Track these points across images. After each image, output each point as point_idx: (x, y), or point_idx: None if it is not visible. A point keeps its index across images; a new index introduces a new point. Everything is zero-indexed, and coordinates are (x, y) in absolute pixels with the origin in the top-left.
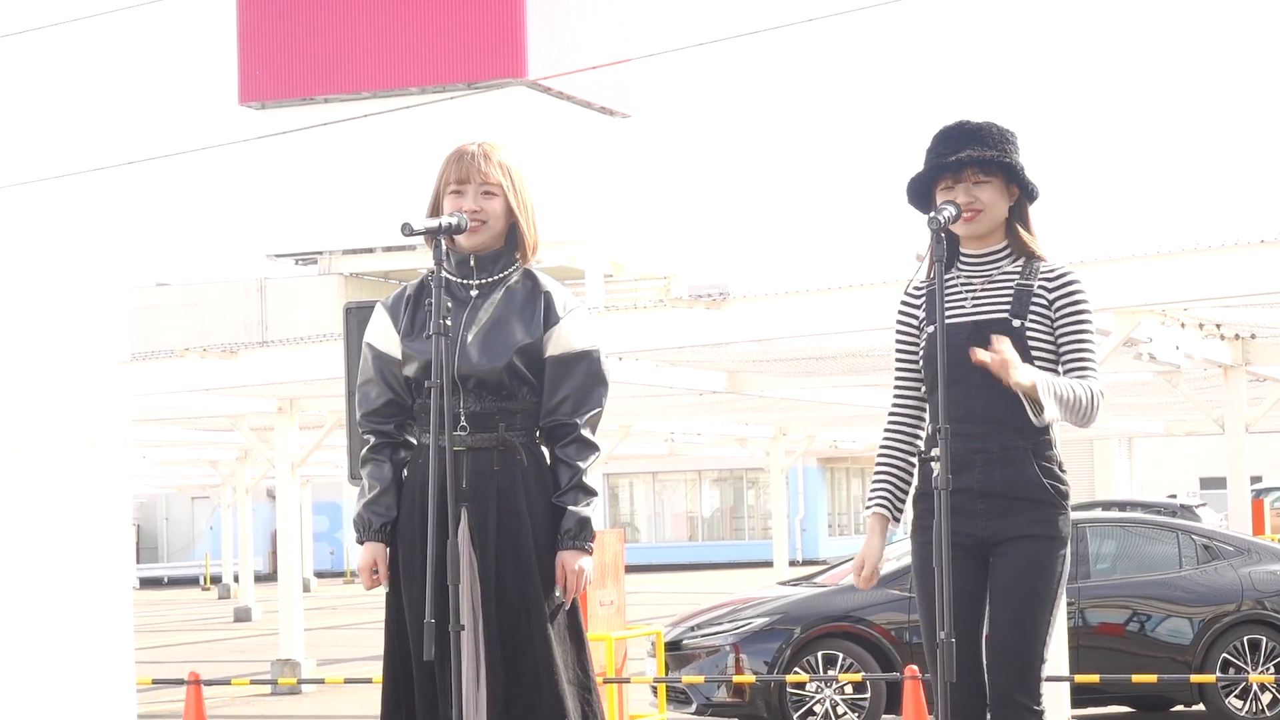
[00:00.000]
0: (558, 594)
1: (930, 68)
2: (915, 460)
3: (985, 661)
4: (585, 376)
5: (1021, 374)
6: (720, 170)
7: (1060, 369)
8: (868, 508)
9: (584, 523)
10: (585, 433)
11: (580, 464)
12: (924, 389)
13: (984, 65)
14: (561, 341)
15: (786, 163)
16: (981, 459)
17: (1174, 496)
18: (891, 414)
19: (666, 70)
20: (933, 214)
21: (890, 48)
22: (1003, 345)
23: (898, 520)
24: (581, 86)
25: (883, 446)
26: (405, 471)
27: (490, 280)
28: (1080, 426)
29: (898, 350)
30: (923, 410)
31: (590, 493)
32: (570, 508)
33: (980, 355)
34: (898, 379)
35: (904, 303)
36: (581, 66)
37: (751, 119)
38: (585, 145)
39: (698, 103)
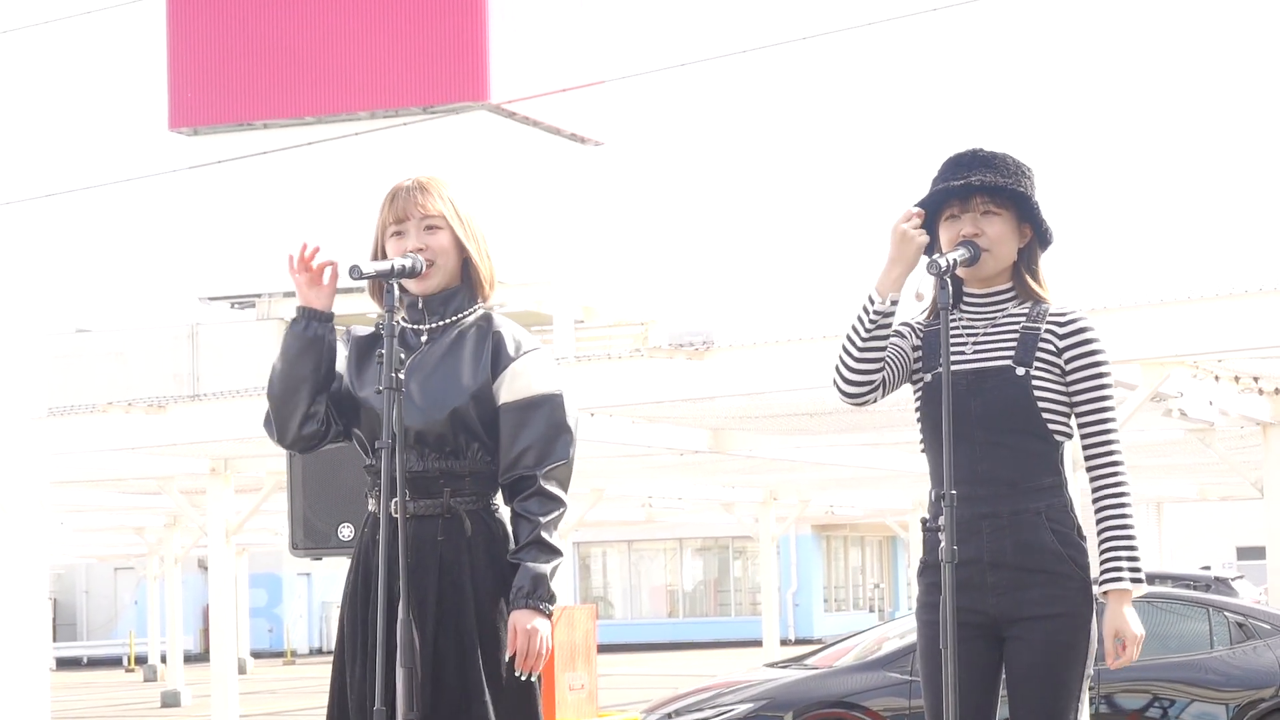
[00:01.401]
0: (506, 660)
1: (937, 93)
2: (882, 363)
3: None
4: (547, 425)
5: (1133, 619)
6: (704, 205)
7: (1079, 432)
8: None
9: (539, 579)
10: (549, 486)
11: (541, 518)
12: (922, 447)
13: (993, 93)
14: (516, 386)
15: (778, 197)
16: (989, 525)
17: (1207, 568)
18: None
19: (644, 93)
20: (935, 258)
21: (892, 70)
22: (1130, 647)
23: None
24: (549, 111)
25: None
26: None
27: (443, 324)
28: None
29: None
30: (887, 368)
31: (551, 551)
32: (525, 563)
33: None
34: None
35: (905, 323)
36: (549, 89)
37: (739, 148)
38: (554, 175)
39: (678, 130)
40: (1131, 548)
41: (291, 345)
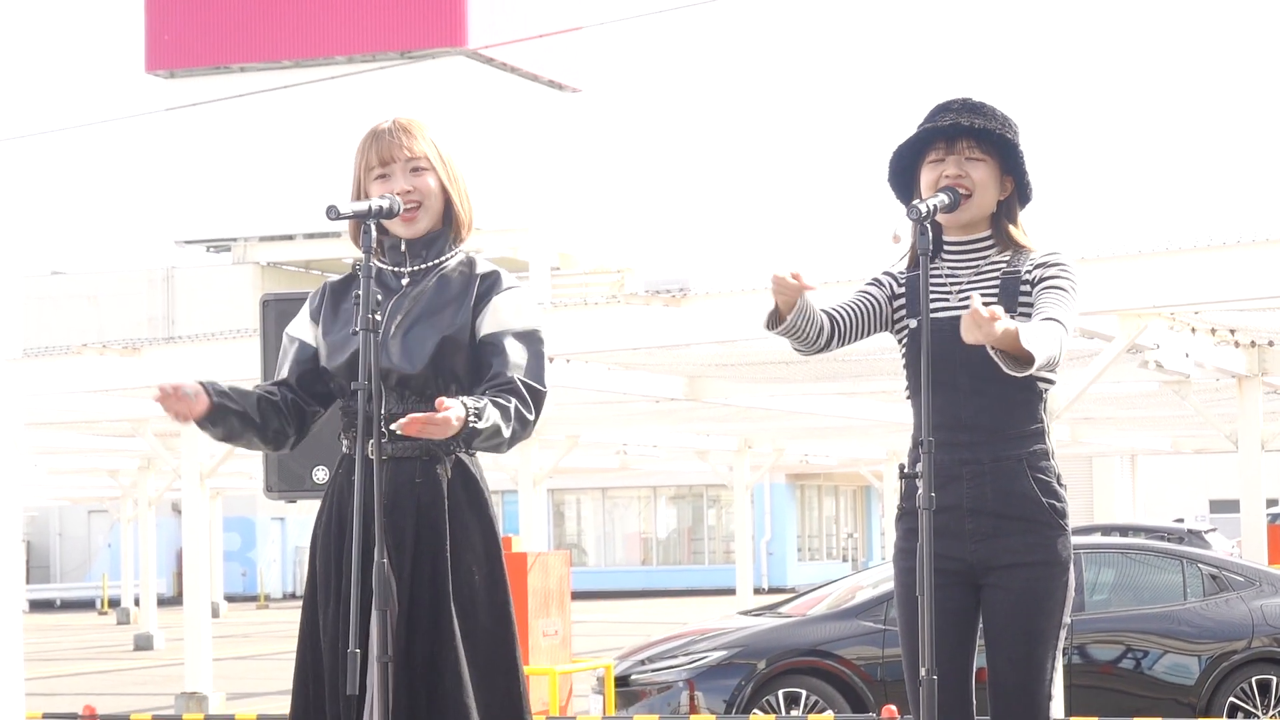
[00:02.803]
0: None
1: (919, 43)
2: (832, 319)
3: (990, 704)
4: (529, 354)
5: (999, 326)
6: (682, 152)
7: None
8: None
9: (481, 405)
10: (523, 390)
11: (510, 400)
12: (907, 392)
13: (977, 43)
14: (498, 319)
15: (756, 145)
16: (970, 472)
17: (1181, 520)
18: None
19: (622, 39)
20: (915, 203)
21: (876, 17)
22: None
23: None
24: (527, 57)
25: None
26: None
27: (424, 267)
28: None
29: (858, 290)
30: (840, 322)
31: (502, 410)
32: (494, 399)
33: (976, 304)
34: (847, 298)
35: (885, 271)
36: (528, 34)
37: (718, 95)
38: (531, 122)
39: (657, 76)
40: (1044, 339)
41: (214, 434)
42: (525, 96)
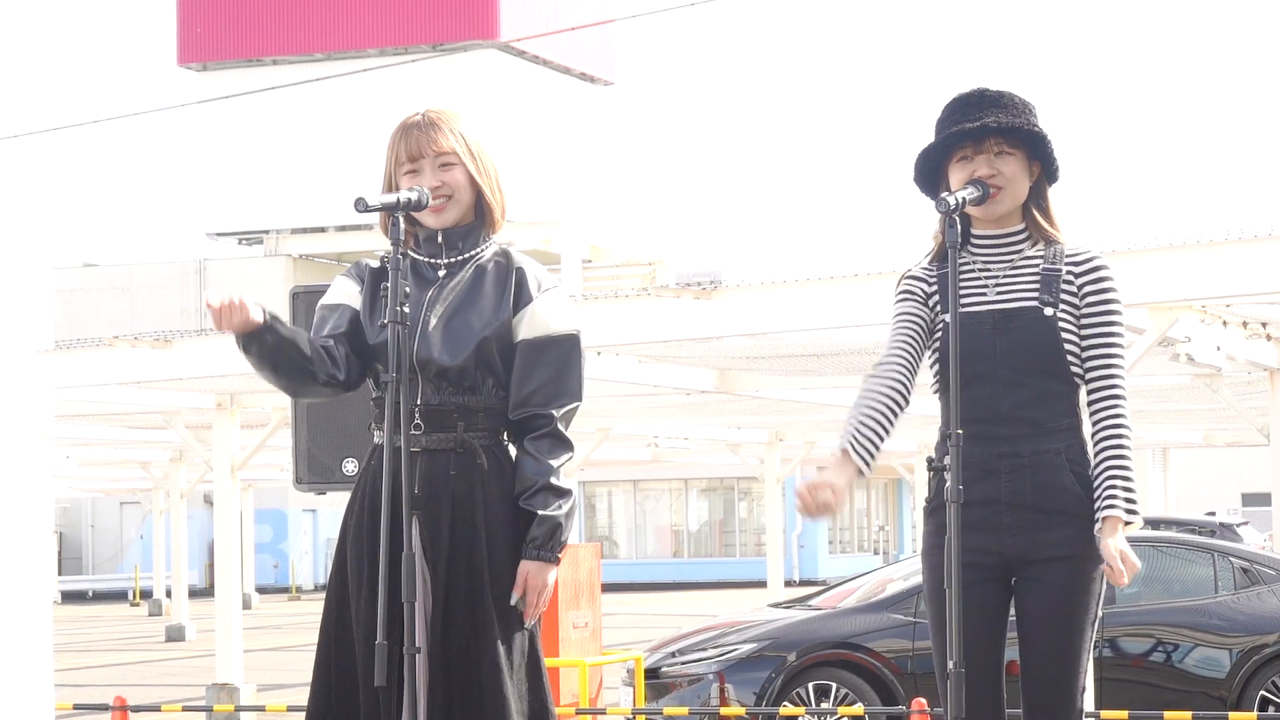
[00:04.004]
0: (515, 602)
1: (947, 34)
2: (897, 409)
3: (1022, 697)
4: (561, 364)
5: (1121, 541)
6: (713, 145)
7: (1084, 368)
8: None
9: (555, 529)
10: (560, 427)
11: (552, 462)
12: (935, 388)
13: (1003, 34)
14: (536, 324)
15: (788, 138)
16: (1009, 465)
17: (1213, 514)
18: (884, 362)
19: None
20: (943, 195)
21: (904, 10)
22: (1121, 561)
23: (862, 470)
24: (559, 49)
25: (866, 391)
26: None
27: (460, 259)
28: None
29: (899, 313)
30: (908, 378)
31: (563, 494)
32: (541, 511)
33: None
34: (898, 331)
35: (913, 276)
36: (559, 27)
37: (749, 88)
38: (563, 115)
39: (689, 69)
40: (1128, 482)
41: (254, 363)
42: (557, 90)
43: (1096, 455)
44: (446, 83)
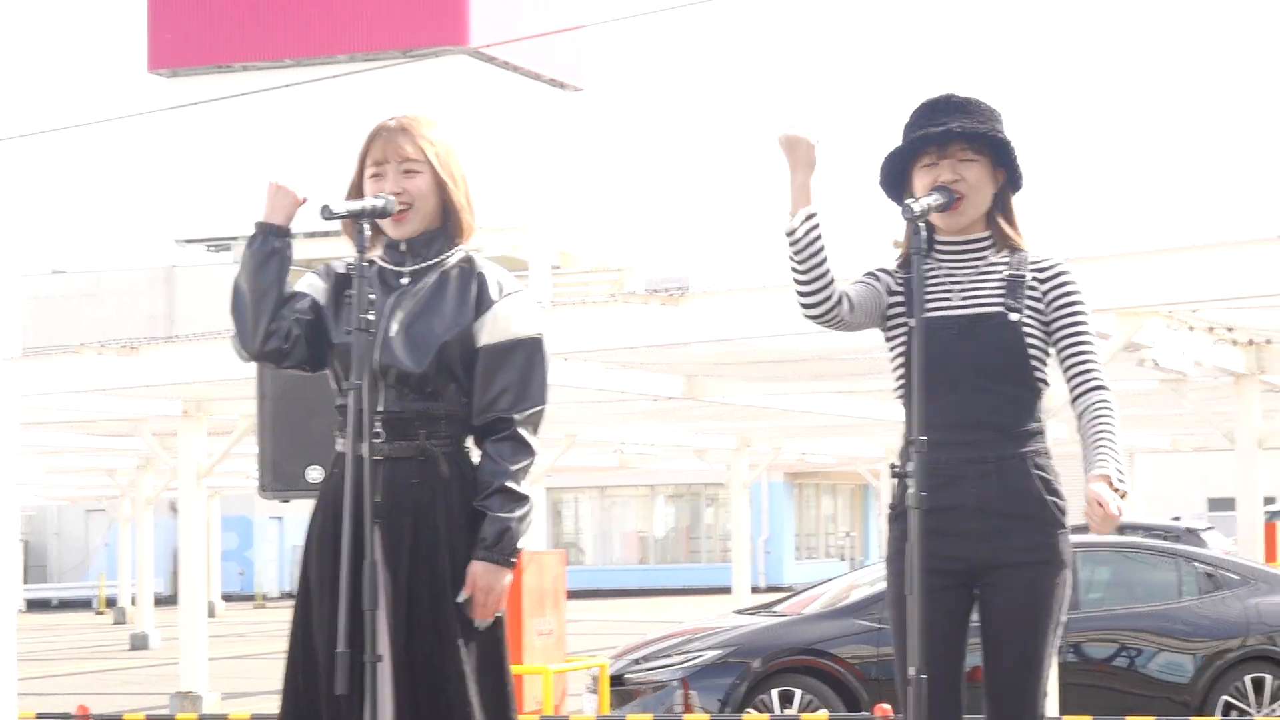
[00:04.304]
0: (462, 599)
1: (915, 41)
2: (845, 294)
3: (985, 703)
4: (525, 367)
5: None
6: (683, 151)
7: (1062, 363)
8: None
9: (505, 532)
10: (523, 431)
11: (510, 465)
12: (900, 393)
13: (973, 41)
14: (498, 328)
15: (757, 143)
16: (975, 471)
17: (1178, 519)
18: None
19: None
20: (909, 201)
21: (876, 15)
22: (1105, 498)
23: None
24: (529, 56)
25: None
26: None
27: (424, 265)
28: None
29: (856, 281)
30: (851, 299)
31: (520, 500)
32: (492, 513)
33: (1106, 501)
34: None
35: (880, 269)
36: (530, 33)
37: (719, 94)
38: (533, 121)
39: (659, 75)
40: (1118, 456)
41: (250, 260)
42: (527, 95)
43: (1087, 431)
44: (416, 89)
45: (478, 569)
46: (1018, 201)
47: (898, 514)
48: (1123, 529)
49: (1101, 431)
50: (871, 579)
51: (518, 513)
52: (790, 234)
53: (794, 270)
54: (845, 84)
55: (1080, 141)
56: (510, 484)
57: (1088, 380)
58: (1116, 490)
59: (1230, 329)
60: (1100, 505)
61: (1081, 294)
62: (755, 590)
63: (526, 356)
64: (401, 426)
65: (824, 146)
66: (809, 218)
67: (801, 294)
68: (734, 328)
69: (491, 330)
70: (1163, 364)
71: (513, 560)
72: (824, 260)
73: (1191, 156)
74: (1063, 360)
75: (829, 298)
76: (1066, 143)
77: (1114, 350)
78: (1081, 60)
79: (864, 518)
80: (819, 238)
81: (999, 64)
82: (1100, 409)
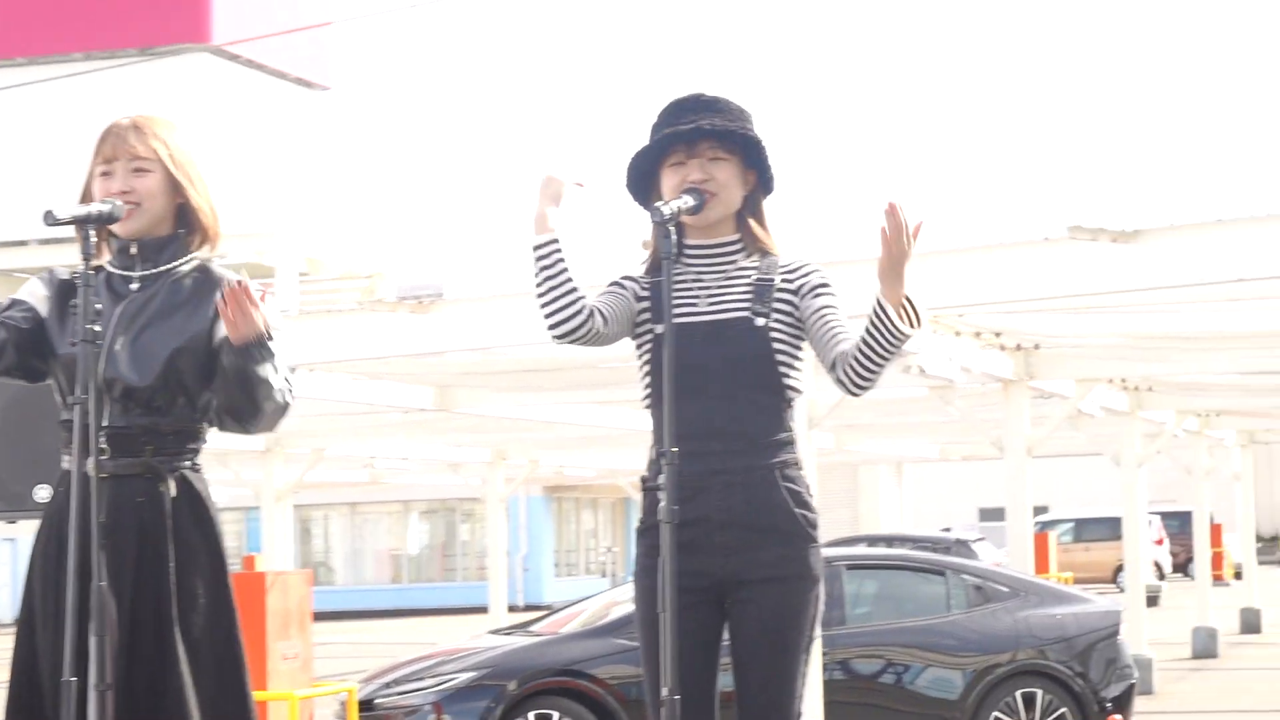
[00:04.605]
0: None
1: (665, 35)
2: (596, 309)
3: None
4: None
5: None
6: (437, 153)
7: (816, 345)
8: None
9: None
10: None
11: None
12: (648, 402)
13: (713, 37)
14: None
15: (513, 145)
16: (720, 482)
17: (948, 530)
18: None
19: (374, 36)
20: (658, 205)
21: (625, 13)
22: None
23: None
24: (275, 54)
25: None
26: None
27: (155, 271)
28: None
29: (603, 291)
30: (603, 314)
31: (283, 375)
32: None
33: (898, 211)
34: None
35: (627, 276)
36: (274, 30)
37: (474, 94)
38: (278, 121)
39: (410, 74)
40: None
41: None
42: (272, 95)
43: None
44: (156, 88)
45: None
46: (769, 205)
47: (646, 528)
48: (890, 541)
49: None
50: (631, 596)
51: (281, 369)
52: (534, 249)
53: (537, 291)
54: (600, 82)
55: (834, 138)
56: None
57: (844, 339)
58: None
59: (998, 334)
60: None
61: (832, 286)
62: (513, 609)
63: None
64: (127, 442)
65: (588, 188)
66: (547, 244)
67: (544, 315)
68: (488, 336)
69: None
70: (929, 371)
71: (269, 339)
72: (562, 283)
73: (954, 156)
74: (816, 337)
75: (572, 316)
76: (821, 141)
77: None
78: (836, 52)
79: (625, 532)
80: (557, 261)
81: (737, 55)
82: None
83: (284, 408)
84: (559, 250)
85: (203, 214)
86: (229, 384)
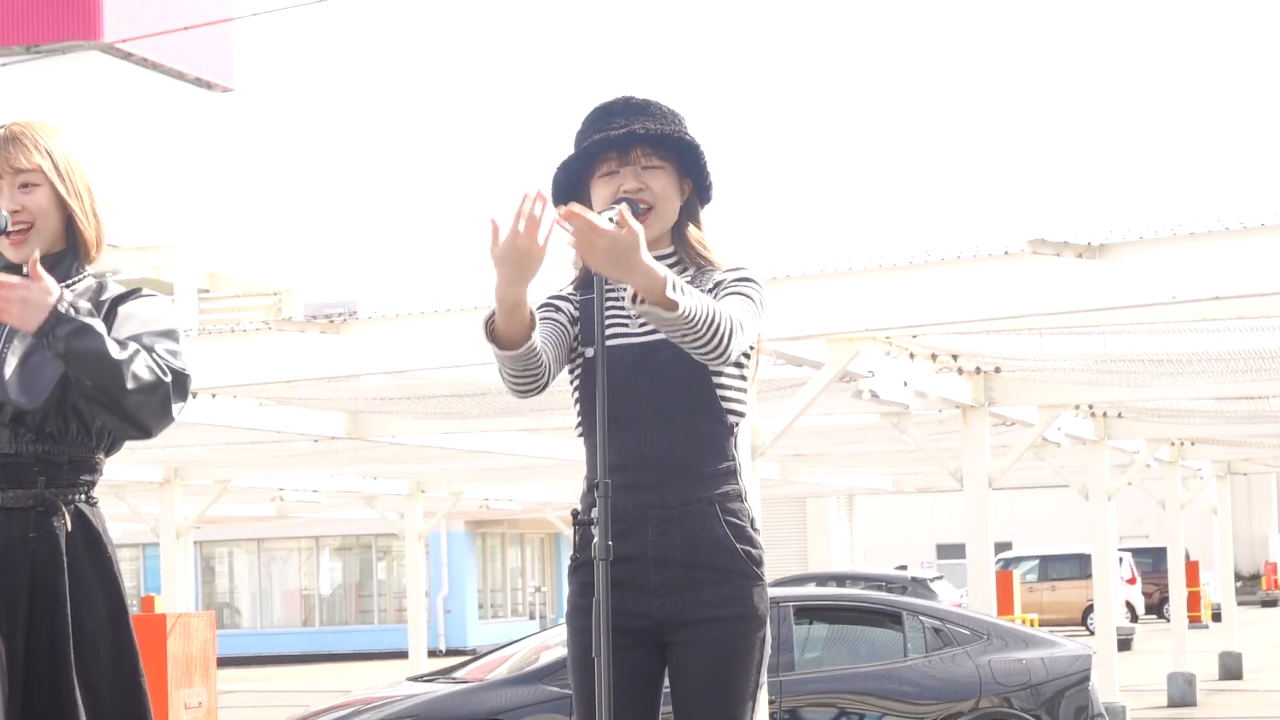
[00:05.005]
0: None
1: (586, 39)
2: (543, 351)
3: None
4: (167, 343)
5: (640, 259)
6: (350, 160)
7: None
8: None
9: (91, 317)
10: (161, 362)
11: (141, 352)
12: (579, 431)
13: (648, 35)
14: (130, 325)
15: (432, 152)
16: (657, 517)
17: (904, 568)
18: None
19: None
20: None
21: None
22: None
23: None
24: (172, 52)
25: None
26: None
27: None
28: (709, 356)
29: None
30: (549, 354)
31: (118, 342)
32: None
33: (575, 208)
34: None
35: (557, 296)
36: (172, 26)
37: (390, 97)
38: (177, 125)
39: (320, 75)
40: (695, 294)
41: None
42: (169, 96)
43: None
44: (42, 89)
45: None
46: (707, 215)
47: (578, 565)
48: (842, 580)
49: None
50: (563, 639)
51: (106, 336)
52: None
53: (504, 371)
54: (521, 85)
55: (782, 148)
56: (153, 363)
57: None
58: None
59: (955, 356)
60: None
61: (757, 284)
62: (434, 654)
63: (166, 339)
64: (17, 472)
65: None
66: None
67: (510, 388)
68: (406, 358)
69: (122, 329)
70: (882, 396)
71: (62, 324)
72: (536, 363)
73: (907, 164)
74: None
75: (538, 380)
76: (766, 149)
77: (826, 380)
78: (779, 65)
79: (555, 570)
80: (524, 344)
81: (679, 64)
82: (723, 308)
83: (155, 385)
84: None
85: (87, 230)
86: (75, 374)
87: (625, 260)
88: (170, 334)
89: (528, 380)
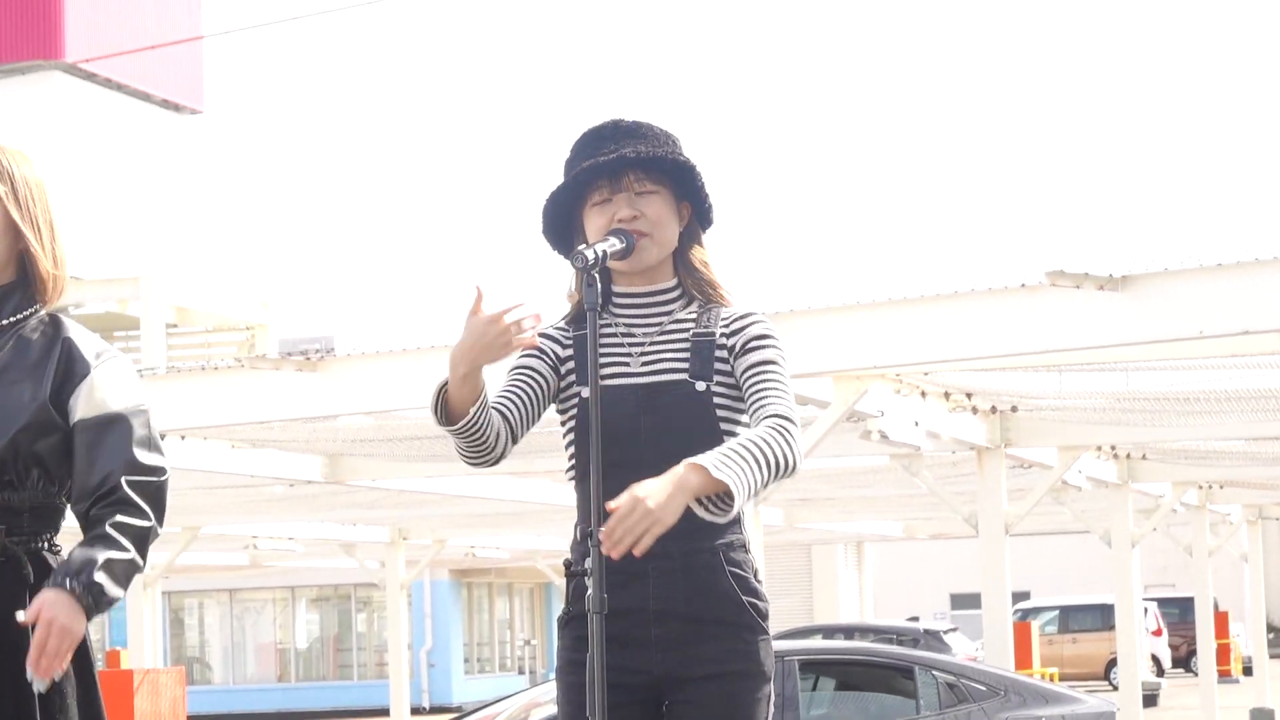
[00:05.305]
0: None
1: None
2: (503, 413)
3: None
4: (131, 443)
5: (677, 491)
6: (327, 187)
7: (750, 415)
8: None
9: (91, 563)
10: (135, 495)
11: (119, 517)
12: (572, 475)
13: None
14: (94, 400)
15: (413, 177)
16: (658, 568)
17: (916, 619)
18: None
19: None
20: (580, 249)
21: (520, 47)
22: (632, 495)
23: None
24: (138, 72)
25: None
26: None
27: None
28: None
29: (513, 367)
30: (511, 417)
31: (115, 544)
32: (79, 547)
33: (613, 504)
34: (504, 383)
35: (544, 335)
36: (137, 45)
37: (369, 122)
38: (143, 149)
39: (294, 98)
40: (746, 452)
41: None
42: (135, 119)
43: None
44: (3, 110)
45: (48, 597)
46: (710, 241)
47: (571, 618)
48: (851, 633)
49: (746, 436)
50: (554, 696)
51: (112, 553)
52: (451, 426)
53: (457, 443)
54: (506, 110)
55: (787, 182)
56: (113, 531)
57: (765, 405)
58: (723, 499)
59: (970, 395)
60: (629, 515)
61: (776, 338)
62: (417, 712)
63: (131, 430)
64: None
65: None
66: (473, 415)
67: (462, 457)
68: (387, 397)
69: (88, 403)
70: (892, 437)
71: (94, 601)
72: (485, 428)
73: (920, 195)
74: (746, 395)
75: (490, 452)
76: (772, 183)
77: (833, 420)
78: (788, 95)
79: (546, 623)
80: (478, 420)
81: (679, 93)
82: (768, 426)
83: (150, 531)
84: (485, 412)
85: (43, 261)
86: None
87: (677, 503)
88: (136, 414)
89: (476, 452)
